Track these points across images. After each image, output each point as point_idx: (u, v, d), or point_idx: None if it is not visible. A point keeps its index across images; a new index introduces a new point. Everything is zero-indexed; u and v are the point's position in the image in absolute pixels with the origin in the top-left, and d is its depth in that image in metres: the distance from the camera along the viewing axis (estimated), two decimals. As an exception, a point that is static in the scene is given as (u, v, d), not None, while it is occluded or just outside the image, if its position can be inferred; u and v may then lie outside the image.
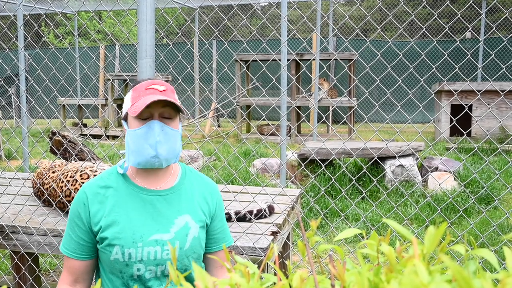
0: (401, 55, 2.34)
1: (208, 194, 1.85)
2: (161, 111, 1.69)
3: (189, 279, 1.75)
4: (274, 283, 0.72)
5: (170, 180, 1.81)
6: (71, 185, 2.87)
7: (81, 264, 1.76)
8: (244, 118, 10.38)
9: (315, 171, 6.32)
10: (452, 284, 0.60)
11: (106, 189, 1.75)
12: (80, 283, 1.77)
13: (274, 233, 2.56)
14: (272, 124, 10.01)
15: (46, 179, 3.01)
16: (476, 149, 2.25)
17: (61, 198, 2.89)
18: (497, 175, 2.19)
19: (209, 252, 1.85)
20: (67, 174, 2.94)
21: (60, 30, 19.53)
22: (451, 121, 8.71)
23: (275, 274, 0.72)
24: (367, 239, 0.79)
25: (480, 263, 2.97)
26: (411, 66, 2.25)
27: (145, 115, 1.68)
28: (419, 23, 2.37)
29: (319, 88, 9.82)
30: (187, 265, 1.74)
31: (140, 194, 1.75)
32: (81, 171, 2.92)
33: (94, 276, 1.85)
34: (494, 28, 2.20)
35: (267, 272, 2.50)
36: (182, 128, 1.82)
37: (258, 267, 0.75)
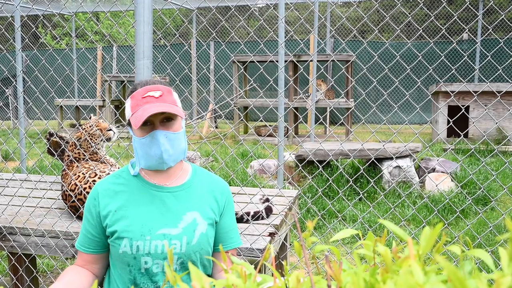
0: (398, 56, 2.34)
1: (218, 192, 1.89)
2: (161, 117, 1.73)
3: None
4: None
5: (181, 177, 1.86)
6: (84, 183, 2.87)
7: (88, 256, 1.83)
8: (242, 119, 10.38)
9: (313, 172, 6.32)
10: (447, 285, 0.60)
11: (117, 185, 1.82)
12: (90, 267, 1.84)
13: (271, 234, 2.56)
14: (270, 125, 10.01)
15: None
16: (473, 150, 2.26)
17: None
18: (494, 176, 2.19)
19: (217, 252, 1.88)
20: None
21: (57, 31, 19.51)
22: (448, 122, 8.73)
23: (273, 275, 0.73)
24: (364, 240, 0.79)
25: (477, 264, 2.98)
26: (408, 68, 2.25)
27: (147, 123, 1.73)
28: (416, 25, 2.37)
29: (316, 89, 9.83)
30: (194, 260, 1.78)
31: (150, 190, 1.80)
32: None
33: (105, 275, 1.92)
34: (491, 29, 2.21)
35: (265, 273, 2.50)
36: (184, 125, 1.85)
37: (256, 268, 0.75)
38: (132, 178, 1.83)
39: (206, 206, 1.83)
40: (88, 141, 3.13)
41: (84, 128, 3.17)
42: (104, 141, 3.20)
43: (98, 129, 3.15)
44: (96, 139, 3.16)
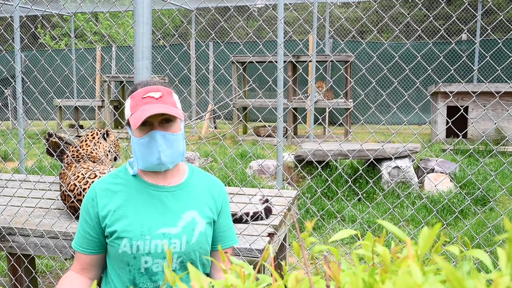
0: (397, 57, 2.35)
1: (215, 192, 1.90)
2: (160, 118, 1.73)
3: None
4: (270, 284, 0.73)
5: (178, 177, 1.87)
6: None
7: (86, 257, 1.82)
8: (241, 120, 10.38)
9: (312, 173, 6.32)
10: (446, 285, 0.60)
11: (115, 185, 1.82)
12: (87, 272, 1.84)
13: (270, 235, 2.56)
14: (269, 126, 10.01)
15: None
16: (471, 150, 2.26)
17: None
18: (492, 176, 2.19)
19: (214, 250, 1.89)
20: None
21: (56, 31, 19.49)
22: (447, 122, 8.73)
23: (272, 275, 0.73)
24: (362, 240, 0.79)
25: (475, 264, 2.99)
26: (407, 68, 2.26)
27: (146, 123, 1.72)
28: (415, 25, 2.38)
29: (317, 90, 9.83)
30: (194, 259, 1.79)
31: (148, 190, 1.80)
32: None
33: (103, 274, 1.91)
34: (490, 30, 2.21)
35: (264, 273, 2.50)
36: (183, 127, 1.85)
37: (255, 269, 0.75)
38: (130, 177, 1.83)
39: (204, 205, 1.84)
40: (110, 145, 3.33)
41: (114, 134, 3.44)
42: (113, 155, 3.38)
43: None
44: (116, 148, 3.40)
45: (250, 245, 2.39)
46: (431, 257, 0.65)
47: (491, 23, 14.99)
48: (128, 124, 1.80)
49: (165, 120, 1.73)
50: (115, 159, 3.44)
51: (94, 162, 3.18)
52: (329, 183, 4.69)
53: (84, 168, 2.97)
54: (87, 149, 3.24)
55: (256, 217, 2.78)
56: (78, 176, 2.87)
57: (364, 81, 13.34)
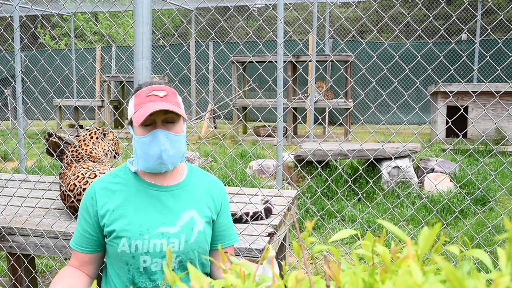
0: (397, 56, 2.35)
1: (214, 191, 1.90)
2: (163, 117, 1.72)
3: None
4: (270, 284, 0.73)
5: (177, 177, 1.87)
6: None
7: (84, 255, 1.82)
8: (241, 120, 10.38)
9: (312, 173, 6.32)
10: (446, 285, 0.60)
11: (114, 184, 1.82)
12: (85, 269, 1.84)
13: (270, 235, 2.56)
14: (269, 126, 10.00)
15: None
16: (471, 150, 2.26)
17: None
18: (492, 176, 2.19)
19: (215, 250, 1.89)
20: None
21: (56, 31, 19.48)
22: (447, 122, 8.72)
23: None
24: (362, 240, 0.79)
25: (475, 264, 2.98)
26: (407, 68, 2.26)
27: (149, 122, 1.72)
28: (414, 25, 2.38)
29: (317, 90, 9.83)
30: (193, 259, 1.79)
31: (147, 190, 1.80)
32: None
33: (102, 273, 1.92)
34: (490, 30, 2.21)
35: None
36: (185, 128, 1.85)
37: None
38: (129, 177, 1.83)
39: (203, 205, 1.84)
40: (109, 144, 3.36)
41: (112, 132, 3.46)
42: (112, 154, 3.41)
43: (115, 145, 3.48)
44: (115, 146, 3.44)
45: (250, 245, 2.39)
46: (431, 257, 0.65)
47: (491, 23, 14.99)
48: (131, 123, 1.80)
49: (168, 121, 1.73)
50: (115, 156, 3.44)
51: (93, 161, 3.18)
52: (329, 183, 4.69)
53: (84, 168, 2.97)
54: (86, 149, 3.23)
55: (256, 217, 2.78)
56: (78, 176, 2.87)
57: (364, 81, 13.33)
